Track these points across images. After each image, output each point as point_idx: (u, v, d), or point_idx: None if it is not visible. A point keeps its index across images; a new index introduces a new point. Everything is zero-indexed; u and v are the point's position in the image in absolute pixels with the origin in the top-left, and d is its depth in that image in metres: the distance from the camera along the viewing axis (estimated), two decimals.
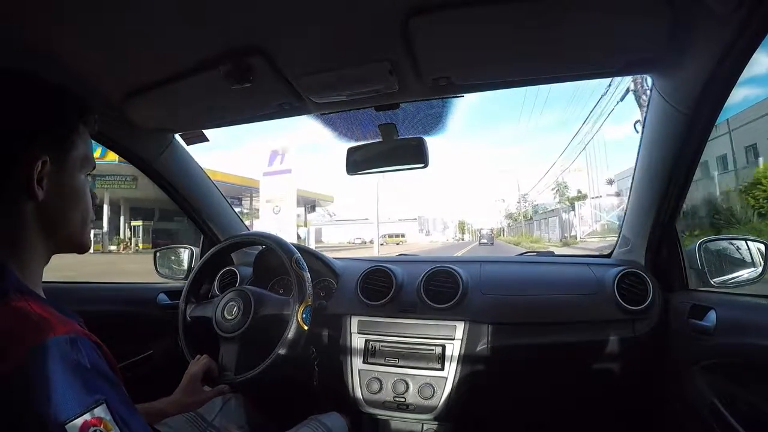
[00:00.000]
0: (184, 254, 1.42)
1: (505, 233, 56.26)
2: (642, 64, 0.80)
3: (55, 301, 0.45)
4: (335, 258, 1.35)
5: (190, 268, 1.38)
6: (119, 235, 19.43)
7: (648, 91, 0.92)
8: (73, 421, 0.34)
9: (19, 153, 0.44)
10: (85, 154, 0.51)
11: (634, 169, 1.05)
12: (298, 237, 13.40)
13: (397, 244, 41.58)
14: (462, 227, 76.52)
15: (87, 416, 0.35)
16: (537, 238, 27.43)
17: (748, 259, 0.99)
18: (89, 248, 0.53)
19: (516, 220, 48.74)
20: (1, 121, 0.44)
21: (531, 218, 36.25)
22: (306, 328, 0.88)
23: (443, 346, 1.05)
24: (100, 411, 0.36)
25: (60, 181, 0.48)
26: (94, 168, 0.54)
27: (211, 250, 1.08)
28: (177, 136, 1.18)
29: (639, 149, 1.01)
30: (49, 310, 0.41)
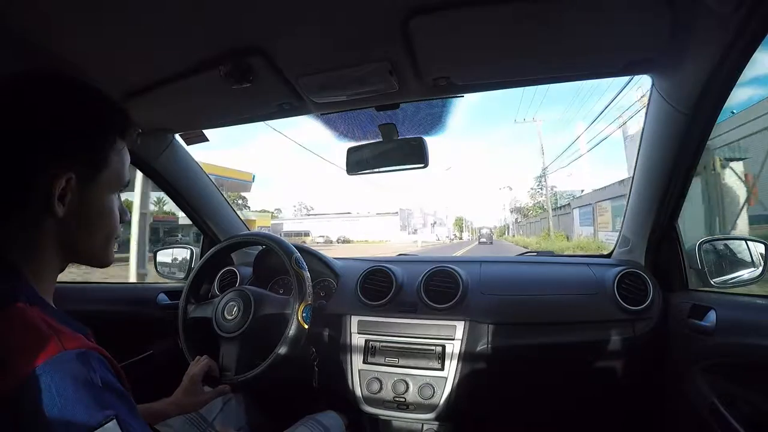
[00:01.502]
0: (184, 254, 1.42)
1: (511, 231, 45.74)
2: (642, 64, 0.80)
3: (64, 312, 0.44)
4: (335, 258, 1.36)
5: (190, 268, 1.38)
6: None
7: None
8: None
9: (43, 166, 0.42)
10: (118, 172, 0.49)
11: (634, 169, 1.05)
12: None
13: None
14: (459, 224, 67.88)
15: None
16: (603, 245, 12.15)
17: (748, 259, 0.99)
18: (110, 264, 0.52)
19: (527, 215, 35.26)
20: (29, 130, 0.42)
21: (562, 207, 22.72)
22: (306, 327, 0.88)
23: (443, 346, 1.05)
24: (111, 426, 0.35)
25: (86, 199, 0.45)
26: (127, 186, 0.52)
27: (211, 250, 1.08)
28: (177, 136, 1.18)
29: (639, 149, 1.01)
30: (59, 323, 0.40)
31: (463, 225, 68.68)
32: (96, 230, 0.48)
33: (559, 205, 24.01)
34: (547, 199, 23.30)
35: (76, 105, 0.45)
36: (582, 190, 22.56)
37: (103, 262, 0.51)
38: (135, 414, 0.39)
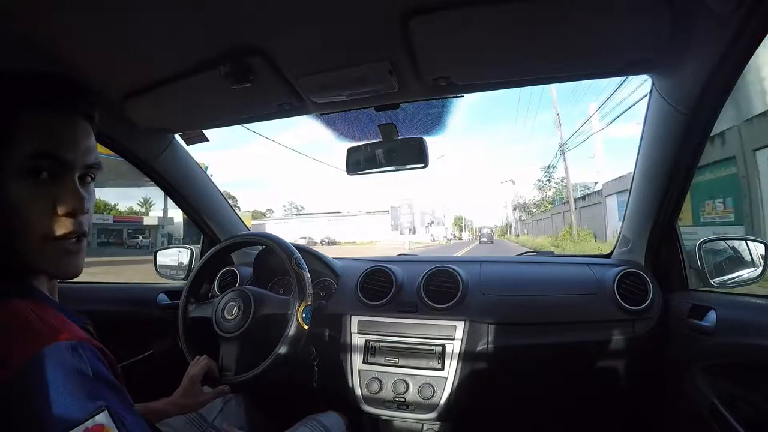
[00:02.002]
0: (184, 254, 1.42)
1: (514, 230, 40.01)
2: (642, 64, 0.80)
3: (60, 302, 0.44)
4: (335, 258, 1.36)
5: (190, 268, 1.38)
6: None
7: None
8: (74, 428, 0.34)
9: None
10: (34, 151, 0.40)
11: (634, 169, 1.05)
12: None
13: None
14: (459, 223, 64.31)
15: (89, 423, 0.34)
16: None
17: (748, 259, 0.99)
18: (75, 275, 0.44)
19: (532, 213, 29.82)
20: None
21: (585, 198, 17.69)
22: (306, 327, 0.88)
23: (443, 346, 1.05)
24: (102, 417, 0.35)
25: None
26: (65, 165, 0.42)
27: (211, 250, 1.08)
28: (177, 136, 1.18)
29: (639, 149, 1.01)
30: (52, 314, 0.40)
31: (463, 224, 65.76)
32: (20, 231, 0.40)
33: (578, 197, 17.96)
34: (569, 186, 17.06)
35: None
36: (596, 182, 18.46)
37: (59, 272, 0.43)
38: (128, 405, 0.39)
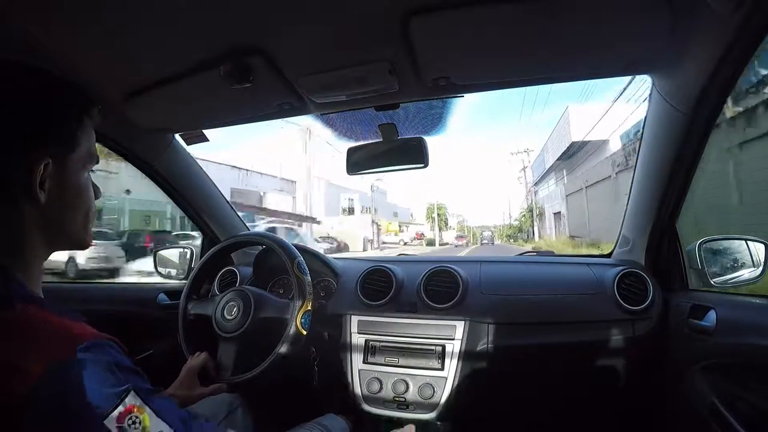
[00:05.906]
0: (184, 254, 1.42)
1: (559, 224, 20.34)
2: (642, 64, 0.80)
3: (59, 303, 0.44)
4: (335, 257, 1.36)
5: (190, 268, 1.38)
6: None
7: None
8: (110, 414, 0.36)
9: (21, 156, 0.42)
10: (88, 150, 0.50)
11: (634, 169, 1.05)
12: None
13: None
14: (432, 216, 39.65)
15: (120, 407, 0.37)
16: None
17: (748, 259, 0.99)
18: (90, 245, 0.52)
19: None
20: (2, 122, 0.42)
21: None
22: (304, 333, 0.88)
23: (443, 346, 1.05)
24: (131, 398, 0.38)
25: (63, 181, 0.46)
26: (98, 162, 0.52)
27: (212, 249, 1.08)
28: (177, 136, 1.18)
29: (639, 149, 1.01)
30: (59, 316, 0.40)
31: (445, 219, 42.99)
32: (75, 210, 0.49)
33: None
34: None
35: (39, 90, 0.45)
36: None
37: (84, 243, 0.51)
38: (149, 386, 0.42)
